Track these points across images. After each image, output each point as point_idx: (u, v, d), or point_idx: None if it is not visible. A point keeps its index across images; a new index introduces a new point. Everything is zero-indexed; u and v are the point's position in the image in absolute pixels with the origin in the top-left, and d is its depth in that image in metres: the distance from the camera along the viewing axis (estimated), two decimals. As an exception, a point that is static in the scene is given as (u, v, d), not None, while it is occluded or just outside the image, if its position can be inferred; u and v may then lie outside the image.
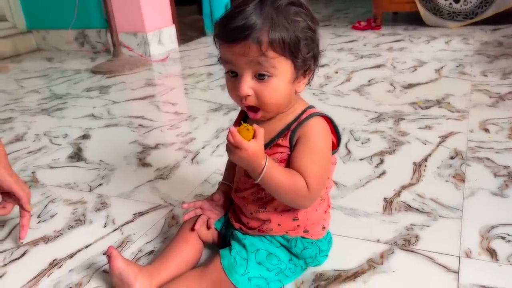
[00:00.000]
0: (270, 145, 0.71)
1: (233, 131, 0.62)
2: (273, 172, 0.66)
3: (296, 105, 0.72)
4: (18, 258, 0.90)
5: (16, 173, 0.92)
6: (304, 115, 0.71)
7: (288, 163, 0.70)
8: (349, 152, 1.25)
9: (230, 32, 0.64)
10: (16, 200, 0.92)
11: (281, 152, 0.70)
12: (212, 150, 1.33)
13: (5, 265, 0.89)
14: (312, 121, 0.70)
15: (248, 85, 0.65)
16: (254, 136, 0.64)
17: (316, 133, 0.69)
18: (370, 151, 1.24)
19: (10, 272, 0.87)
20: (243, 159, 0.64)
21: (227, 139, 0.63)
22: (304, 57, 0.66)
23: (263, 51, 0.62)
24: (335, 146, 0.74)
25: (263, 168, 0.65)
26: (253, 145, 0.63)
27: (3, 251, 0.93)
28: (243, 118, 0.78)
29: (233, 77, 0.67)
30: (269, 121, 0.71)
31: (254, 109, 0.69)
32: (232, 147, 0.64)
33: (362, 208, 0.98)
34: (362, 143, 1.30)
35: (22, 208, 0.93)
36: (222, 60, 0.68)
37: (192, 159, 1.29)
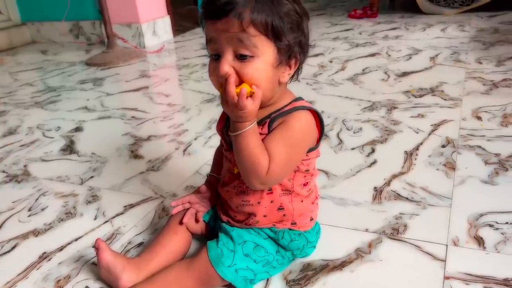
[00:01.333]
0: None
1: (243, 92, 0.62)
2: (249, 138, 0.65)
3: (283, 97, 0.71)
4: (8, 252, 0.91)
5: None
6: (289, 107, 0.70)
7: None
8: (341, 141, 1.25)
9: (214, 9, 0.63)
10: None
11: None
12: (204, 141, 1.33)
13: (-5, 258, 0.89)
14: (297, 113, 0.69)
15: (228, 63, 0.64)
16: (251, 96, 0.64)
17: (297, 125, 0.68)
18: (361, 140, 1.24)
19: (0, 265, 0.87)
20: (235, 114, 0.64)
21: (229, 96, 0.62)
22: (289, 42, 0.65)
23: (244, 27, 0.61)
24: (318, 141, 0.73)
25: (244, 129, 0.65)
26: (250, 106, 0.63)
27: (-6, 245, 0.93)
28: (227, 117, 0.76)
29: (215, 59, 0.66)
30: None
31: None
32: (231, 104, 0.63)
33: (351, 198, 0.98)
34: (354, 133, 1.29)
35: None
36: (206, 42, 0.67)
37: (184, 151, 1.29)
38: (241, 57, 0.64)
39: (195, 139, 1.36)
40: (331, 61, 2.05)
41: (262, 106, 0.68)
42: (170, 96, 1.80)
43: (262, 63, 0.64)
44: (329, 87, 1.71)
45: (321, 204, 0.84)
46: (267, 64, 0.65)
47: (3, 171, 1.26)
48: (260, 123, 0.70)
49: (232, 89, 0.63)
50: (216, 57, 0.66)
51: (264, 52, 0.64)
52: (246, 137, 0.65)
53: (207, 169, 1.15)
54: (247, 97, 0.63)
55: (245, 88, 0.63)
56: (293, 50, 0.66)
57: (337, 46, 2.31)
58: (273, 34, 0.63)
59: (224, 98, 0.64)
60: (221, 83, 0.65)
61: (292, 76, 0.71)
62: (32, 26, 3.13)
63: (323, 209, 0.86)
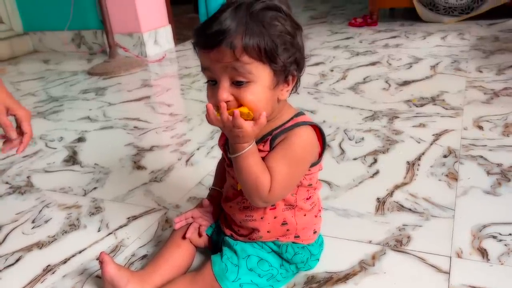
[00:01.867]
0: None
1: (237, 114, 0.61)
2: (249, 159, 0.65)
3: (283, 112, 0.71)
4: (12, 264, 0.91)
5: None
6: (290, 123, 0.70)
7: None
8: (343, 151, 1.25)
9: (206, 39, 0.63)
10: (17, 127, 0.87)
11: (262, 157, 0.68)
12: (206, 151, 1.34)
13: (-1, 271, 0.89)
14: (298, 129, 0.69)
15: (226, 90, 0.64)
16: (253, 118, 0.64)
17: (298, 142, 0.68)
18: (363, 151, 1.24)
19: (4, 278, 0.87)
20: (233, 135, 0.64)
21: (224, 120, 0.63)
22: (284, 63, 0.65)
23: (237, 56, 0.61)
24: (321, 155, 0.74)
25: (243, 150, 0.64)
26: (247, 126, 0.62)
27: (-2, 258, 0.93)
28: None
29: (213, 85, 0.66)
30: None
31: None
32: (227, 126, 0.63)
33: (354, 209, 0.98)
34: (356, 142, 1.30)
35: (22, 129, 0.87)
36: (201, 68, 0.67)
37: (187, 161, 1.29)
38: (237, 83, 0.64)
39: (198, 149, 1.36)
40: (332, 70, 2.06)
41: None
42: (172, 106, 1.81)
43: (259, 87, 0.64)
44: (330, 96, 1.71)
45: (324, 216, 0.85)
46: (264, 87, 0.64)
47: (7, 182, 1.27)
48: (262, 140, 0.70)
49: (225, 114, 0.62)
50: (213, 83, 0.66)
51: (260, 77, 0.64)
52: (246, 158, 0.65)
53: (209, 179, 1.15)
54: (246, 120, 0.63)
55: (237, 110, 0.62)
56: (289, 69, 0.66)
57: (338, 55, 2.32)
58: (267, 58, 0.63)
59: (222, 123, 0.64)
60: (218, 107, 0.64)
61: (291, 90, 0.72)
62: (34, 36, 3.15)
63: (326, 221, 0.87)
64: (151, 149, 1.40)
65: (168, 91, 2.03)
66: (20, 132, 0.86)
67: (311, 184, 0.74)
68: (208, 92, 0.67)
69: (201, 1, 3.14)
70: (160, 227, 0.99)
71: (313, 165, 0.72)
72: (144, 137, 1.50)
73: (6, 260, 0.92)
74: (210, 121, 0.64)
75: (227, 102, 0.64)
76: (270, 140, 0.69)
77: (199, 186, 1.15)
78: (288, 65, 0.65)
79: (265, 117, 0.64)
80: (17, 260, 0.92)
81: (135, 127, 1.60)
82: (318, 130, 0.72)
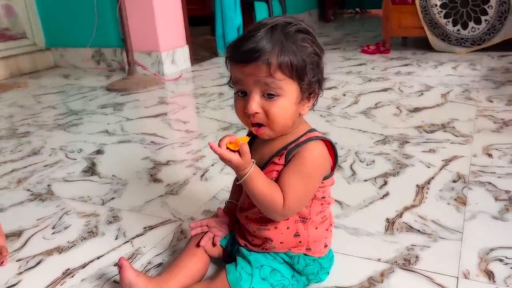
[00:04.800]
0: (268, 163, 0.76)
1: (213, 146, 0.69)
2: (254, 181, 0.71)
3: (299, 127, 0.77)
4: (33, 267, 0.95)
5: None
6: (304, 138, 0.75)
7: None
8: (354, 173, 1.29)
9: (242, 54, 0.69)
10: None
11: (277, 171, 0.75)
12: (220, 167, 1.38)
13: (20, 273, 0.93)
14: (309, 144, 0.74)
15: (256, 102, 0.70)
16: (239, 151, 0.70)
17: (310, 156, 0.73)
18: (374, 173, 1.28)
19: (25, 280, 0.91)
20: (231, 166, 0.71)
21: (220, 156, 0.70)
22: (310, 81, 0.71)
23: (271, 72, 0.68)
24: (332, 169, 0.78)
25: (245, 175, 0.71)
26: (236, 159, 0.69)
27: (19, 260, 0.97)
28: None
29: (242, 96, 0.72)
30: (271, 141, 0.76)
31: (259, 124, 0.73)
32: (223, 160, 0.70)
33: (364, 228, 1.01)
34: (367, 165, 1.33)
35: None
36: (232, 81, 0.73)
37: (202, 176, 1.33)
38: (268, 96, 0.70)
39: (212, 165, 1.40)
40: (344, 95, 2.11)
41: (282, 135, 0.75)
42: (188, 123, 1.86)
43: (287, 101, 0.70)
44: (342, 120, 1.76)
45: (335, 233, 0.88)
46: (291, 102, 0.71)
47: (28, 190, 1.31)
48: (277, 154, 0.75)
49: (219, 151, 0.69)
50: (242, 94, 0.72)
51: (289, 92, 0.70)
52: (251, 181, 0.71)
53: (223, 194, 1.20)
54: (235, 151, 0.70)
55: (221, 149, 0.69)
56: (313, 87, 0.73)
57: (350, 80, 2.38)
58: (297, 75, 0.69)
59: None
60: (248, 120, 0.72)
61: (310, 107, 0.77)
62: (56, 51, 3.25)
63: (337, 238, 0.90)
64: (167, 163, 1.45)
65: (184, 109, 2.08)
66: None
67: (324, 197, 0.78)
68: (237, 103, 0.73)
69: (218, 23, 3.24)
70: (175, 237, 1.02)
71: (325, 178, 0.77)
72: (161, 152, 1.55)
73: (27, 262, 0.96)
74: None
75: (255, 113, 0.70)
76: (285, 154, 0.74)
77: (213, 200, 1.18)
78: (313, 83, 0.72)
79: (247, 146, 0.70)
80: (38, 263, 0.96)
81: (151, 142, 1.65)
82: (329, 144, 0.76)
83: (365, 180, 1.24)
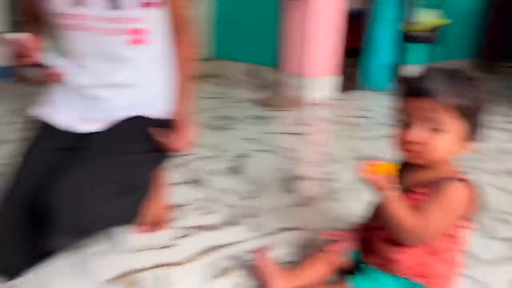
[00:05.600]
0: (410, 192, 0.82)
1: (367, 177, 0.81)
2: (395, 205, 0.79)
3: (446, 165, 0.82)
4: (183, 236, 1.15)
5: None
6: (450, 175, 0.80)
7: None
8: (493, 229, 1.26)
9: (420, 90, 0.78)
10: None
11: (417, 199, 0.81)
12: (352, 191, 1.46)
13: (175, 238, 1.13)
14: (453, 184, 0.79)
15: (419, 134, 0.78)
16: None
17: (451, 194, 0.78)
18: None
19: (178, 245, 1.11)
20: (376, 188, 0.81)
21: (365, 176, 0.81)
22: (475, 123, 0.78)
23: (442, 110, 0.76)
24: (472, 213, 0.81)
25: (388, 198, 0.80)
26: (385, 182, 0.79)
27: (175, 228, 1.18)
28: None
29: (404, 127, 0.80)
30: (417, 171, 0.83)
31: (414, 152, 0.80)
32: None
33: (491, 285, 1.00)
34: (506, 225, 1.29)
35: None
36: (400, 112, 0.82)
37: (332, 196, 1.43)
38: (433, 130, 0.77)
39: (343, 188, 1.49)
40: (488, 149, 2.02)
41: (427, 167, 0.81)
42: (324, 146, 1.98)
43: (449, 139, 0.78)
44: (486, 175, 1.70)
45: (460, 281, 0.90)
46: (452, 139, 0.78)
47: (184, 175, 1.55)
48: (424, 185, 0.82)
49: (369, 177, 0.80)
50: (405, 125, 0.80)
51: (453, 130, 0.77)
52: (392, 204, 0.80)
53: (352, 216, 1.27)
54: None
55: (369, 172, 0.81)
56: (477, 131, 0.79)
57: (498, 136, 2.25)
58: (464, 116, 0.76)
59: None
60: (406, 147, 0.80)
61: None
62: (220, 62, 3.67)
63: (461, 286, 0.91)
64: (301, 177, 1.58)
65: (322, 133, 2.21)
66: None
67: (456, 237, 0.82)
68: (400, 132, 0.82)
69: (366, 58, 3.32)
70: (303, 243, 1.14)
71: (463, 219, 0.81)
72: (297, 166, 1.68)
73: (181, 232, 1.17)
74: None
75: (416, 143, 0.78)
76: (432, 187, 0.80)
77: (341, 219, 1.27)
78: (478, 127, 0.78)
79: (395, 172, 0.79)
80: (187, 235, 1.15)
81: (289, 156, 1.80)
82: (473, 189, 0.80)
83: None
